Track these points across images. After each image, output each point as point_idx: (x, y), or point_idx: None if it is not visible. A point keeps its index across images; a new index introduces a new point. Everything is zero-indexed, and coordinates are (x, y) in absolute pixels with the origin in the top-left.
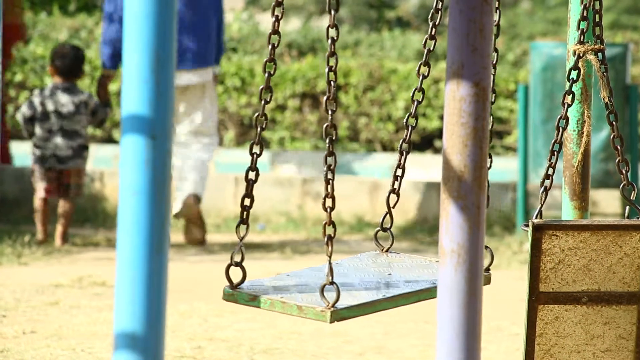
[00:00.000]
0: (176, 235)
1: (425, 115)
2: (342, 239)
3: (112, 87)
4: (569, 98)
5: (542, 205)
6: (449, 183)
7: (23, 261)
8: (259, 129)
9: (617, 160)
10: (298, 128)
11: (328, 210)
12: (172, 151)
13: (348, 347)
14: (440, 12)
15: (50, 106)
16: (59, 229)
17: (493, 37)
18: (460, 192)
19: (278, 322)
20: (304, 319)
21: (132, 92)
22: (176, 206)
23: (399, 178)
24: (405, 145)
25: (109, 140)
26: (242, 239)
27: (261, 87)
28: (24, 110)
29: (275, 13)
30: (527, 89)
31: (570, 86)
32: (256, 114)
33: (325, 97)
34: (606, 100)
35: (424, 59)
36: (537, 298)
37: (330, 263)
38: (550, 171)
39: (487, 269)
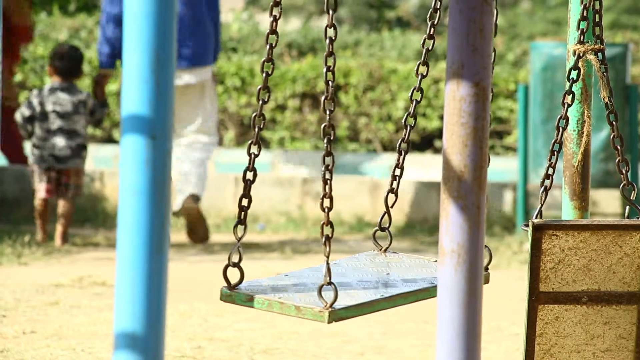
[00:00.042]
0: (176, 235)
1: (425, 115)
2: (342, 239)
3: (112, 87)
4: (569, 98)
5: (542, 205)
6: (449, 183)
7: (23, 261)
8: (256, 129)
9: (617, 160)
10: (298, 128)
11: (326, 210)
12: (172, 151)
13: (348, 347)
14: (438, 11)
15: (49, 106)
16: (58, 228)
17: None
18: (460, 192)
19: (278, 322)
20: (303, 319)
21: (132, 92)
22: (176, 204)
23: (397, 178)
24: (404, 145)
25: (109, 140)
26: (239, 239)
27: (259, 87)
28: (23, 110)
29: (274, 13)
30: (527, 88)
31: (570, 86)
32: (254, 114)
33: (323, 97)
34: (606, 100)
35: (422, 59)
36: (537, 298)
37: (327, 263)
38: (550, 171)
39: (486, 268)
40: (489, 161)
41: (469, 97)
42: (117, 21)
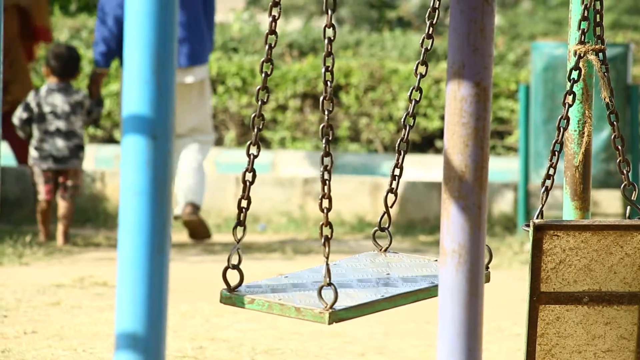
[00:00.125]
0: (178, 235)
1: (426, 115)
2: (343, 239)
3: (113, 87)
4: (569, 98)
5: (543, 206)
6: (450, 183)
7: (24, 261)
8: (256, 130)
9: (618, 161)
10: (299, 128)
11: (325, 211)
12: (173, 151)
13: (349, 347)
14: (437, 11)
15: (46, 107)
16: (60, 228)
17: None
18: (461, 192)
19: (279, 322)
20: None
21: (133, 92)
22: (177, 209)
23: (397, 177)
24: (403, 145)
25: (110, 140)
26: (239, 241)
27: (258, 87)
28: (20, 112)
29: (273, 13)
30: (528, 89)
31: (571, 86)
32: (253, 115)
33: (322, 97)
34: (607, 100)
35: (421, 58)
36: (538, 298)
37: (327, 264)
38: (551, 171)
39: (486, 267)
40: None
41: (470, 97)
42: (114, 21)
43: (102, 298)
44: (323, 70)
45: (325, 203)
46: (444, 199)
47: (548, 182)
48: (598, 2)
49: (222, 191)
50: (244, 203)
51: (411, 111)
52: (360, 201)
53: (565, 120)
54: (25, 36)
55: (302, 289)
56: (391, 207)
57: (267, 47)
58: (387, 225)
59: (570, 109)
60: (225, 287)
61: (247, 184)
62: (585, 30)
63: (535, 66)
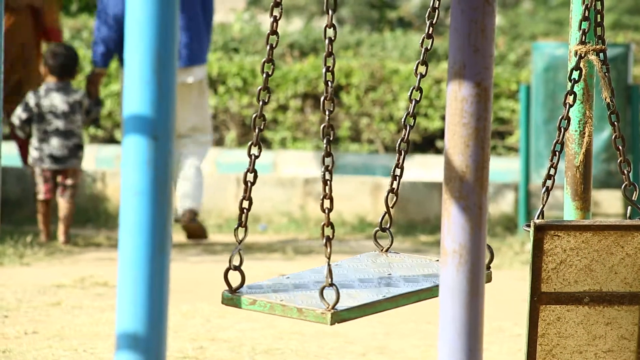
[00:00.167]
0: (178, 235)
1: (427, 115)
2: (344, 239)
3: (114, 87)
4: (570, 98)
5: (543, 206)
6: (451, 183)
7: (25, 261)
8: (257, 130)
9: (618, 161)
10: (300, 128)
11: (326, 211)
12: (173, 151)
13: (350, 347)
14: (437, 10)
15: (45, 107)
16: (61, 227)
17: (494, 37)
18: (462, 192)
19: (280, 322)
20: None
21: (134, 92)
22: (177, 212)
23: (397, 178)
24: (403, 145)
25: (111, 140)
26: (240, 242)
27: (259, 87)
28: (20, 112)
29: (274, 14)
30: (529, 89)
31: (572, 86)
32: (254, 115)
33: (322, 98)
34: (608, 100)
35: (421, 58)
36: (539, 298)
37: (329, 264)
38: (552, 171)
39: (488, 267)
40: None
41: (470, 97)
42: (113, 21)
43: (103, 298)
44: (324, 70)
45: (327, 203)
46: (445, 199)
47: (549, 183)
48: (599, 2)
49: (222, 191)
50: (245, 204)
51: (411, 111)
52: (361, 201)
53: (566, 121)
54: (37, 37)
55: (304, 290)
56: (392, 207)
57: (268, 47)
58: (388, 225)
59: (571, 109)
60: (226, 288)
61: (249, 184)
62: (586, 31)
63: (536, 66)
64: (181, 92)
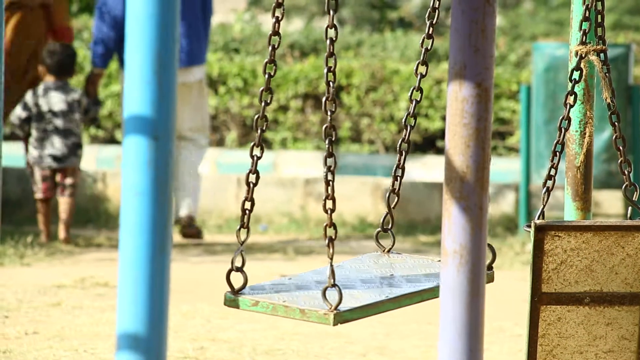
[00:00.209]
0: (178, 235)
1: (428, 116)
2: (345, 239)
3: (115, 87)
4: (571, 99)
5: (544, 206)
6: (452, 184)
7: (25, 262)
8: (259, 131)
9: (619, 161)
10: (300, 129)
11: (329, 212)
12: (174, 152)
13: (350, 347)
14: (437, 11)
15: (44, 106)
16: (61, 225)
17: (495, 37)
18: (462, 192)
19: (280, 323)
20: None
21: (134, 92)
22: (177, 214)
23: (398, 178)
24: (404, 145)
25: (111, 140)
26: (242, 243)
27: (261, 88)
28: (19, 111)
29: (276, 14)
30: (530, 89)
31: (573, 87)
32: (256, 116)
33: (324, 98)
34: (608, 100)
35: (421, 58)
36: (539, 299)
37: (331, 265)
38: (552, 172)
39: (490, 267)
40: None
41: (471, 97)
42: (112, 21)
43: (104, 298)
44: (325, 70)
45: (329, 204)
46: (446, 199)
47: (549, 183)
48: (599, 3)
49: (223, 192)
50: (247, 205)
51: (412, 111)
52: (362, 202)
53: (567, 121)
54: (48, 36)
55: (306, 291)
56: (394, 207)
57: (270, 48)
58: (389, 226)
59: (571, 109)
60: (229, 289)
61: (251, 185)
62: (587, 31)
63: (536, 67)
64: (180, 93)
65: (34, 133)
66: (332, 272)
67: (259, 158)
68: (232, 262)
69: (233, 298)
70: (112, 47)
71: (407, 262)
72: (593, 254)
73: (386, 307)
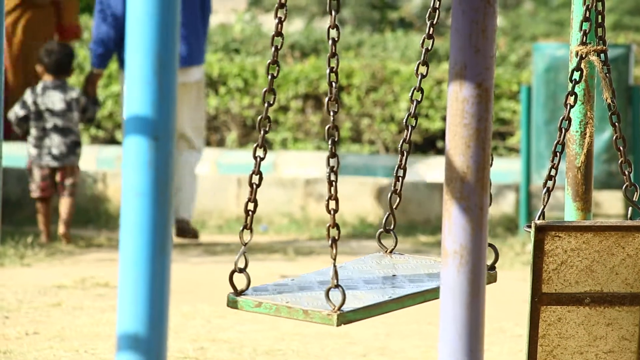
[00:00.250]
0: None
1: (428, 116)
2: (345, 240)
3: (115, 88)
4: (571, 99)
5: (544, 207)
6: (452, 184)
7: (26, 262)
8: (262, 132)
9: (619, 162)
10: (301, 129)
11: (332, 212)
12: (174, 152)
13: (351, 348)
14: (437, 11)
15: (42, 105)
16: (61, 222)
17: (495, 37)
18: (463, 193)
19: (281, 323)
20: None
21: (134, 93)
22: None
23: (400, 179)
24: (405, 146)
25: (112, 141)
26: (245, 244)
27: (264, 89)
28: (17, 109)
29: (279, 15)
30: (530, 90)
31: (573, 87)
32: (260, 117)
33: (327, 98)
34: (609, 101)
35: (422, 59)
36: (539, 299)
37: (334, 266)
38: (552, 172)
39: (493, 267)
40: (492, 161)
41: (471, 98)
42: (112, 21)
43: (104, 299)
44: (328, 71)
45: (332, 204)
46: (446, 200)
47: (550, 183)
48: (600, 3)
49: (223, 192)
50: (250, 206)
51: (413, 112)
52: (362, 202)
53: (567, 121)
54: (59, 33)
55: (309, 292)
56: (396, 208)
57: (273, 49)
58: (392, 226)
59: (571, 110)
60: (231, 290)
61: (254, 186)
62: (587, 31)
63: (536, 67)
64: (178, 93)
65: (33, 132)
66: (336, 272)
67: (262, 159)
68: (235, 264)
69: (236, 299)
70: (112, 47)
71: (410, 262)
72: (593, 254)
73: (389, 307)
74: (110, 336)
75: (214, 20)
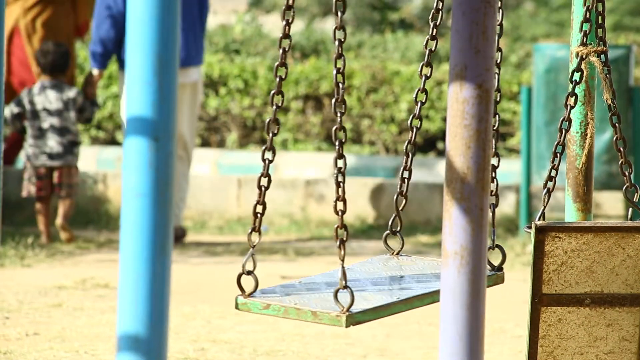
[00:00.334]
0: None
1: (428, 117)
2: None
3: (115, 88)
4: (571, 100)
5: (545, 207)
6: (452, 185)
7: (26, 263)
8: (270, 135)
9: (620, 162)
10: (301, 130)
11: (339, 213)
12: (175, 153)
13: (351, 349)
14: (440, 12)
15: (39, 105)
16: (59, 215)
17: (496, 38)
18: (463, 194)
19: (281, 324)
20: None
21: (135, 93)
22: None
23: (406, 180)
24: (410, 147)
25: (112, 142)
26: (253, 246)
27: (272, 91)
28: (12, 107)
29: (286, 17)
30: (530, 90)
31: (573, 88)
32: (268, 120)
33: (333, 100)
34: (609, 102)
35: (425, 60)
36: (540, 300)
37: (343, 267)
38: (553, 173)
39: (500, 268)
40: (498, 161)
41: (472, 99)
42: (112, 22)
43: (104, 300)
44: (334, 72)
45: (340, 205)
46: (446, 200)
47: (550, 184)
48: (600, 4)
49: (223, 192)
50: (259, 208)
51: (417, 113)
52: (362, 203)
53: (567, 122)
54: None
55: (317, 293)
56: (402, 209)
57: (281, 51)
58: (398, 228)
59: (572, 110)
60: (239, 293)
61: (262, 189)
62: (587, 32)
63: (537, 68)
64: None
65: (30, 131)
66: (344, 273)
67: (270, 161)
68: (243, 266)
69: (244, 301)
70: (111, 48)
71: (417, 264)
72: (594, 255)
73: (398, 308)
74: (111, 337)
75: (215, 21)
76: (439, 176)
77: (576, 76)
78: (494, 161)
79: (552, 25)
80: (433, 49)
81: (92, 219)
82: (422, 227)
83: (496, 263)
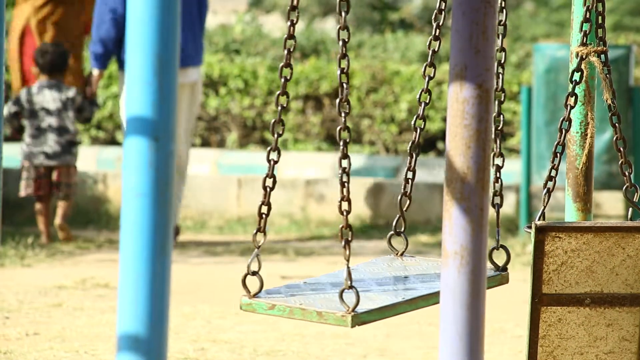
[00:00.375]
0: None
1: (429, 117)
2: None
3: (115, 89)
4: (571, 100)
5: (545, 207)
6: (452, 185)
7: (26, 263)
8: (276, 136)
9: (620, 162)
10: (301, 130)
11: (344, 213)
12: (175, 153)
13: (351, 349)
14: (443, 12)
15: (37, 104)
16: (57, 214)
17: (496, 38)
18: (463, 193)
19: (281, 324)
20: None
21: (135, 93)
22: None
23: (410, 181)
24: (414, 148)
25: (112, 142)
26: (258, 247)
27: (278, 92)
28: (10, 105)
29: (291, 17)
30: (530, 90)
31: (573, 88)
32: (273, 121)
33: (337, 100)
34: (609, 102)
35: (429, 60)
36: (540, 300)
37: (348, 267)
38: (553, 173)
39: (504, 268)
40: (502, 161)
41: (472, 99)
42: (112, 22)
43: (104, 300)
44: (338, 72)
45: (345, 205)
46: (446, 200)
47: (550, 184)
48: (600, 4)
49: (223, 192)
50: (264, 209)
51: (421, 114)
52: (362, 203)
53: (567, 122)
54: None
55: (322, 294)
56: (406, 210)
57: (285, 51)
58: (402, 229)
59: (572, 110)
60: (244, 293)
61: (268, 190)
62: (587, 32)
63: (537, 68)
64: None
65: (28, 131)
66: (349, 273)
67: (276, 162)
68: (248, 267)
69: (249, 302)
70: (111, 48)
71: (421, 264)
72: (594, 255)
73: (403, 308)
74: (111, 337)
75: (215, 21)
76: (439, 176)
77: (576, 76)
78: (498, 161)
79: (552, 25)
80: (436, 50)
81: (92, 219)
82: (422, 227)
83: (500, 263)
